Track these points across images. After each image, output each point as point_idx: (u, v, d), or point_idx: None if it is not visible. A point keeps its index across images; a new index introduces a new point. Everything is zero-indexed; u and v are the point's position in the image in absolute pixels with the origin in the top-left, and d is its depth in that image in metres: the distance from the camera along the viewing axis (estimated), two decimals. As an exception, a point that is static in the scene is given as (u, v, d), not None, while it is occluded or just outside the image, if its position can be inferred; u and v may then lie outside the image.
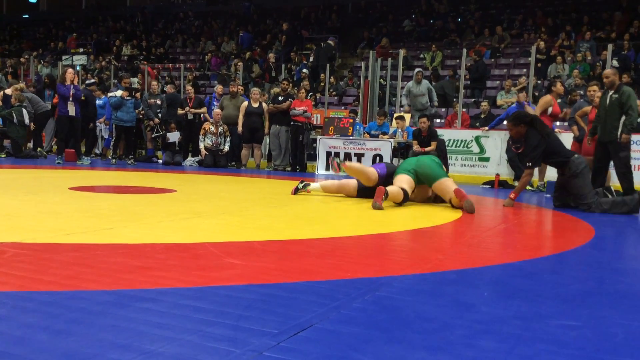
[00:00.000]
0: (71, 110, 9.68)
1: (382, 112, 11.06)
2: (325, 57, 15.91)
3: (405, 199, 5.28)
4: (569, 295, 2.31)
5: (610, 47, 10.74)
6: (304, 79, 14.18)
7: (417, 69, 12.21)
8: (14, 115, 10.80)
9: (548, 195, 7.55)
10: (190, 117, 11.45)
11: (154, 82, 11.85)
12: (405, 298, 2.11)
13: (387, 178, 5.67)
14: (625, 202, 5.71)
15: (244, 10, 23.43)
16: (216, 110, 11.01)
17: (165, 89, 12.69)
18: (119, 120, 10.49)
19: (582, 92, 10.51)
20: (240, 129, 11.03)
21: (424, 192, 5.71)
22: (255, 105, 11.10)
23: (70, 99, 9.65)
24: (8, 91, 11.22)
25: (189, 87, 12.12)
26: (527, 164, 5.86)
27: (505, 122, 9.90)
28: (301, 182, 6.00)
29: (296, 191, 5.92)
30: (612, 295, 2.38)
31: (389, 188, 5.18)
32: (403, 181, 5.39)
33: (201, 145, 10.82)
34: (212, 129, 10.84)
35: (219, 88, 12.37)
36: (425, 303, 2.06)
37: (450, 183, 5.42)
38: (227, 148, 10.91)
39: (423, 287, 2.32)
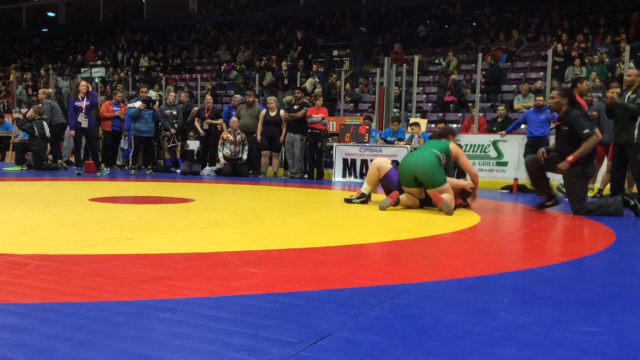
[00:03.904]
0: (84, 122, 9.88)
1: (396, 118, 11.05)
2: (358, 44, 16.24)
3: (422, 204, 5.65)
4: (589, 300, 2.29)
5: (627, 48, 10.63)
6: (316, 87, 14.26)
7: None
8: (34, 128, 10.96)
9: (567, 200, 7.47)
10: (205, 127, 11.54)
11: (172, 93, 11.97)
12: (424, 305, 2.10)
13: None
14: (609, 204, 5.60)
15: (259, 19, 23.58)
16: (233, 119, 11.08)
17: (180, 98, 12.82)
18: (138, 131, 10.60)
19: (600, 95, 10.40)
20: (259, 137, 11.10)
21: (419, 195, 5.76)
22: (273, 113, 11.16)
23: (84, 111, 9.86)
24: (30, 113, 11.41)
25: (209, 97, 12.20)
26: (585, 132, 5.41)
27: (522, 126, 9.83)
28: (357, 198, 6.04)
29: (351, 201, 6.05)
30: (633, 300, 2.35)
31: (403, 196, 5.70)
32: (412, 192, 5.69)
33: (220, 155, 10.90)
34: (231, 137, 10.92)
35: (235, 99, 12.46)
36: (444, 310, 2.05)
37: (446, 190, 5.45)
38: (245, 156, 10.99)
39: (442, 294, 2.32)
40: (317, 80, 15.35)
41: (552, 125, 8.43)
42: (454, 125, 12.60)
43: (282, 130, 11.26)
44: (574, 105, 5.62)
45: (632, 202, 5.66)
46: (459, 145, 6.11)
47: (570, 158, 5.50)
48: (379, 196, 6.41)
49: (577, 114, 5.55)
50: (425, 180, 5.47)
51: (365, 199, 6.04)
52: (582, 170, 5.60)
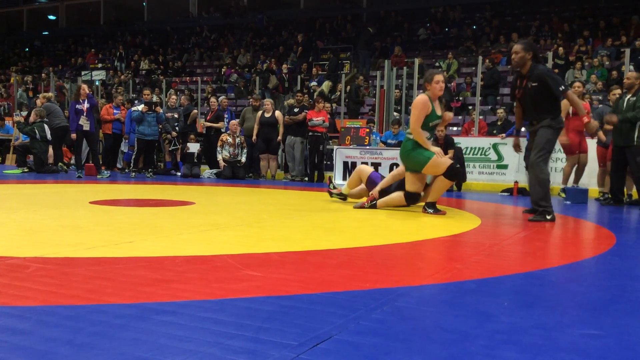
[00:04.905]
0: (85, 125, 9.90)
1: (397, 121, 11.06)
2: (363, 42, 16.39)
3: (412, 200, 5.67)
4: (590, 303, 2.29)
5: (627, 51, 10.64)
6: (315, 92, 14.31)
7: None
8: (36, 131, 10.98)
9: (568, 202, 7.48)
10: (203, 131, 11.58)
11: (173, 96, 11.99)
12: (425, 308, 2.10)
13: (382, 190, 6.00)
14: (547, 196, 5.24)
15: (257, 22, 23.61)
16: (233, 122, 11.11)
17: (180, 101, 12.84)
18: (141, 134, 10.61)
19: (600, 98, 10.41)
20: (254, 138, 11.14)
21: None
22: (268, 115, 11.18)
23: (85, 114, 9.90)
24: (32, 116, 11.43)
25: (213, 100, 12.21)
26: (560, 88, 5.12)
27: (523, 129, 9.81)
28: (334, 189, 6.71)
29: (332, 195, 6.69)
30: (634, 303, 2.34)
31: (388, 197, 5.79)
32: (410, 181, 5.62)
33: (219, 157, 10.91)
34: (230, 140, 10.93)
35: (224, 101, 12.44)
36: (444, 313, 2.05)
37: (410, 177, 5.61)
38: (244, 159, 11.00)
39: (442, 297, 2.31)
40: (314, 84, 15.38)
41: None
42: (454, 128, 12.60)
43: (278, 132, 11.30)
44: (537, 61, 5.33)
45: (547, 212, 5.12)
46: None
47: (586, 119, 5.54)
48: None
49: (546, 69, 5.29)
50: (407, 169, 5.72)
51: (344, 197, 6.55)
52: (551, 121, 5.21)
